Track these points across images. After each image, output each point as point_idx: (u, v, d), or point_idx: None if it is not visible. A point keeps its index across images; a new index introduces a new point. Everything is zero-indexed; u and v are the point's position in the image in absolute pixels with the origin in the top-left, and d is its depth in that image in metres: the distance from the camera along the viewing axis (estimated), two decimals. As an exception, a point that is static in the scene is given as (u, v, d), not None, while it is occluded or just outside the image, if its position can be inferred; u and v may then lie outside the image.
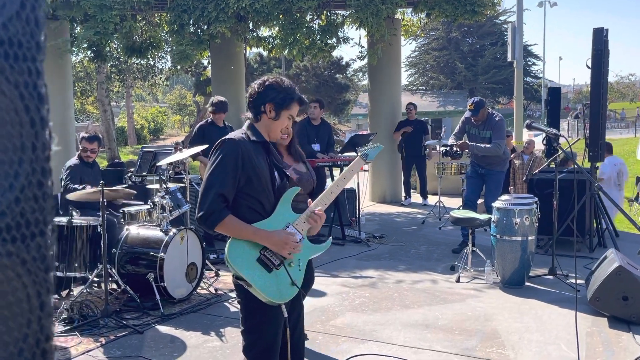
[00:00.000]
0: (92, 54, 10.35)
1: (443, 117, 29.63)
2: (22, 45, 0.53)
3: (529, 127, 4.85)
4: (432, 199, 10.03)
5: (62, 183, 5.36)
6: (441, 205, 8.83)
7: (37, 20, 0.54)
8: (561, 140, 5.11)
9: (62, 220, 4.77)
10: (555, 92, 8.72)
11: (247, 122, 2.65)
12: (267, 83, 2.60)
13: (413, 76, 39.92)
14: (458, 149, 6.56)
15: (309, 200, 2.72)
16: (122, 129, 33.63)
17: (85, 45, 9.57)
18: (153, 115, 40.54)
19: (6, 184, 0.51)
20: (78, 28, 9.93)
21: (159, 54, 18.59)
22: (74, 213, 5.08)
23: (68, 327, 4.31)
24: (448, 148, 6.63)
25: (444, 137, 9.72)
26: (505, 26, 34.39)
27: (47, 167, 0.55)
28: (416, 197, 10.90)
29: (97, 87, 23.50)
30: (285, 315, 2.49)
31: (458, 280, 5.55)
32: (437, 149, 9.31)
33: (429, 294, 5.22)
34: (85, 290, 4.75)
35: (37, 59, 0.54)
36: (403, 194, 10.76)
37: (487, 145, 6.37)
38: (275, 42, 10.36)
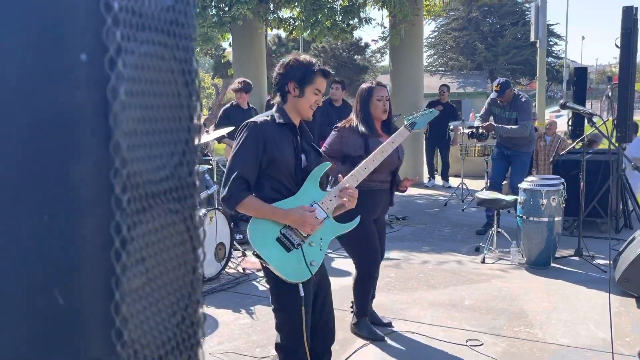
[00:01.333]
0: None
1: (462, 99, 29.36)
2: (184, 25, 0.56)
3: (564, 106, 4.81)
4: (454, 181, 10.01)
5: None
6: (464, 187, 8.81)
7: (193, 3, 0.58)
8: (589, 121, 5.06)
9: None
10: (581, 73, 8.58)
11: (276, 105, 2.67)
12: (285, 63, 2.62)
13: (432, 57, 39.51)
14: (484, 131, 6.54)
15: (339, 175, 2.73)
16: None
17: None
18: (172, 97, 40.64)
19: (169, 151, 0.55)
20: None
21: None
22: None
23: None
24: (474, 130, 6.61)
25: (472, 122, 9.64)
26: (527, 5, 33.81)
27: (199, 136, 0.59)
28: (438, 179, 10.88)
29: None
30: (302, 294, 2.51)
31: (483, 261, 5.57)
32: (461, 130, 9.27)
33: (454, 274, 5.25)
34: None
35: (193, 37, 0.58)
36: (427, 176, 10.74)
37: (514, 127, 6.33)
38: (297, 23, 10.34)
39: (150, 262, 0.53)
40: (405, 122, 2.75)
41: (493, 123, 6.51)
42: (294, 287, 2.51)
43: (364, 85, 3.85)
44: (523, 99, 6.42)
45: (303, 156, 2.64)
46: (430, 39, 38.90)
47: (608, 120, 4.18)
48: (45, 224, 0.48)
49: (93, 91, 0.45)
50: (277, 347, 2.67)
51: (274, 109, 2.66)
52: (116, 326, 0.49)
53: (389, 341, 3.82)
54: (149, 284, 0.53)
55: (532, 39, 15.15)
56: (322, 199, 2.58)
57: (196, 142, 0.60)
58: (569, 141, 8.29)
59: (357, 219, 2.75)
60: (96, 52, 0.45)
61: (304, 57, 2.65)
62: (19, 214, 0.49)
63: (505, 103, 6.44)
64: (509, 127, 6.36)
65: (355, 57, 29.38)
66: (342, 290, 4.76)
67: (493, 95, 6.56)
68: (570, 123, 7.96)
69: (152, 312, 0.54)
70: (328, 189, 2.69)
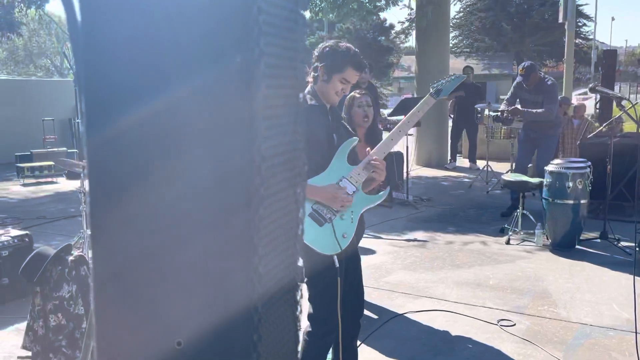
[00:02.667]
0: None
1: (488, 81, 29.03)
2: (296, 31, 0.68)
3: (593, 90, 4.83)
4: (480, 164, 10.04)
5: None
6: (489, 169, 8.84)
7: (303, 21, 0.70)
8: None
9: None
10: (610, 55, 8.51)
11: (309, 86, 2.75)
12: (323, 46, 2.69)
13: (457, 38, 38.97)
14: (509, 115, 6.57)
15: (367, 149, 2.78)
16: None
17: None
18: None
19: (286, 130, 0.67)
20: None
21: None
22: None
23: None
24: (499, 114, 6.64)
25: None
26: (556, -15, 33.08)
27: (302, 119, 0.72)
28: (462, 162, 10.90)
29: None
30: (337, 265, 2.62)
31: (508, 242, 5.65)
32: (486, 112, 9.27)
33: (479, 254, 5.34)
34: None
35: (303, 40, 0.70)
36: (449, 158, 10.78)
37: (539, 110, 6.34)
38: (322, 4, 10.36)
39: (274, 216, 0.66)
40: (431, 90, 2.73)
41: (519, 107, 6.52)
42: (329, 259, 2.63)
43: (349, 94, 3.88)
44: (549, 82, 6.41)
45: (334, 135, 2.74)
46: (455, 20, 38.30)
47: (637, 103, 4.19)
48: (222, 179, 0.62)
49: (244, 90, 0.57)
50: (310, 317, 2.80)
51: (307, 89, 2.73)
52: (255, 263, 0.62)
53: (416, 316, 3.95)
54: (273, 232, 0.66)
55: (560, 20, 14.90)
56: (350, 172, 2.65)
57: (301, 124, 0.72)
58: (596, 124, 8.26)
59: (387, 190, 2.83)
60: (245, 54, 0.57)
61: (344, 44, 2.68)
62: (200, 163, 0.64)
63: (531, 86, 6.44)
64: (534, 111, 6.37)
65: (380, 38, 29.20)
66: (368, 268, 4.89)
67: (519, 79, 6.56)
68: (598, 106, 7.92)
69: (275, 253, 0.67)
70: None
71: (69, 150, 11.63)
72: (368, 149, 2.72)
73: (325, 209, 2.60)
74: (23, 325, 3.74)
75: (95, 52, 0.65)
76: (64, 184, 10.03)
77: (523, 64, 6.57)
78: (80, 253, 3.24)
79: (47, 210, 7.75)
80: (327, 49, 2.67)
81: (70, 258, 3.04)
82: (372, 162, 2.65)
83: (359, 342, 3.13)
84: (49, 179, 10.33)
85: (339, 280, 2.65)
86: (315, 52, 2.69)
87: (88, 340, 1.71)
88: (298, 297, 0.77)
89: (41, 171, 10.24)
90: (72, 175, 10.13)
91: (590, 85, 4.84)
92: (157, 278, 0.67)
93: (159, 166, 0.65)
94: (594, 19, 38.34)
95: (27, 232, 4.65)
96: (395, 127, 2.73)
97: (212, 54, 0.57)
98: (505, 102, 6.81)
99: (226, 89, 0.58)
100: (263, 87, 0.57)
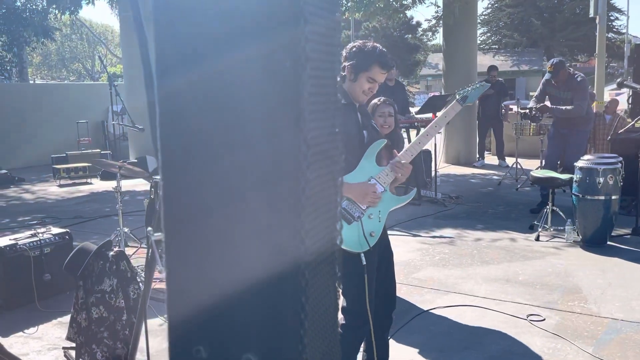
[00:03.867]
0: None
1: (517, 77, 28.69)
2: (332, 37, 0.78)
3: (621, 85, 4.80)
4: (509, 161, 9.98)
5: None
6: (518, 166, 8.79)
7: (338, 41, 0.80)
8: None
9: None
10: (642, 49, 8.37)
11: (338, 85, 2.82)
12: (351, 46, 2.75)
13: (485, 35, 38.56)
14: (537, 113, 6.54)
15: (395, 150, 2.86)
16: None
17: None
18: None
19: (328, 124, 0.76)
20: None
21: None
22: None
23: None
24: (528, 111, 6.63)
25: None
26: (587, -21, 32.47)
27: (340, 113, 0.81)
28: (490, 159, 10.85)
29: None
30: (364, 262, 2.70)
31: (537, 239, 5.64)
32: (515, 109, 9.22)
33: (508, 251, 5.35)
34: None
35: (338, 44, 0.80)
36: (477, 156, 10.75)
37: (568, 107, 6.30)
38: (349, 4, 10.43)
39: (316, 197, 0.75)
40: (457, 97, 2.81)
41: (548, 104, 6.49)
42: (357, 256, 2.71)
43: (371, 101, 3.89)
44: (579, 79, 6.37)
45: (365, 132, 2.81)
46: (483, 16, 37.90)
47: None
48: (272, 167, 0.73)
49: (292, 86, 0.67)
50: (343, 310, 2.89)
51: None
52: (300, 232, 0.71)
53: (445, 311, 4.00)
54: (316, 210, 0.76)
55: (592, 14, 14.66)
56: (379, 173, 2.74)
57: (338, 118, 0.81)
58: (629, 119, 8.14)
59: (413, 192, 2.92)
60: (294, 58, 0.67)
61: (370, 44, 2.74)
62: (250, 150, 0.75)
63: (560, 83, 6.41)
64: (563, 108, 6.34)
65: (407, 36, 29.10)
66: (397, 265, 4.94)
67: (547, 76, 6.53)
68: (630, 101, 7.81)
69: (318, 222, 0.78)
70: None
71: (102, 152, 11.94)
72: (395, 150, 2.80)
73: (354, 207, 2.68)
74: (65, 319, 3.92)
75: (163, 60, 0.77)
76: (98, 185, 10.32)
77: (552, 60, 6.54)
78: (120, 249, 3.38)
79: (83, 209, 8.01)
80: (354, 48, 2.74)
81: (111, 253, 3.18)
82: (400, 164, 2.73)
83: (389, 336, 3.19)
84: (84, 180, 10.63)
85: (366, 277, 2.74)
86: (343, 52, 2.76)
87: (139, 326, 1.82)
88: (337, 269, 0.86)
89: (76, 172, 10.55)
90: (106, 176, 10.42)
91: (618, 80, 4.83)
92: (221, 227, 0.79)
93: (222, 142, 0.77)
94: (626, 12, 37.59)
95: (67, 230, 4.83)
96: (423, 130, 2.82)
97: (264, 60, 0.67)
98: (534, 99, 6.79)
99: (278, 89, 0.68)
100: (308, 86, 0.66)
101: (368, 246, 2.72)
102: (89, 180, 10.64)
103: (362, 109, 2.86)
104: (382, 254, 2.91)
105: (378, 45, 2.78)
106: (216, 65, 0.73)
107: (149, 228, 1.32)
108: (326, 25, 0.74)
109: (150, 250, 1.28)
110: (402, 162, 2.75)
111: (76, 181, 10.57)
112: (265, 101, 0.69)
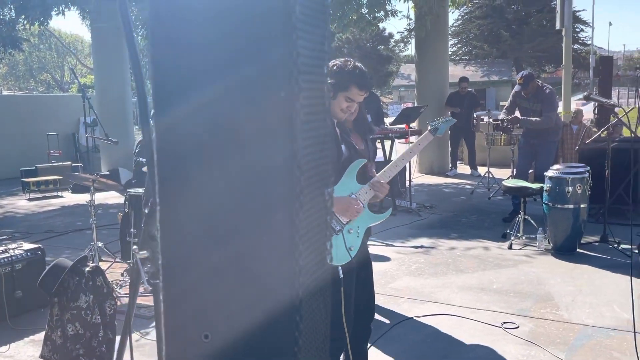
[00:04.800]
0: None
1: (487, 87, 29.17)
2: (323, 59, 0.80)
3: (588, 98, 4.95)
4: (481, 170, 10.15)
5: (133, 158, 5.75)
6: (490, 175, 8.95)
7: (329, 55, 0.83)
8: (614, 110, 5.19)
9: (139, 190, 5.16)
10: (606, 61, 8.64)
11: None
12: (333, 63, 2.80)
13: (456, 46, 39.20)
14: (508, 124, 6.70)
15: (373, 171, 2.96)
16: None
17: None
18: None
19: (317, 148, 0.79)
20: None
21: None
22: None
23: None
24: (499, 122, 6.77)
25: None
26: (553, -8, 33.29)
27: (333, 135, 0.84)
28: (462, 169, 11.02)
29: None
30: (341, 276, 2.74)
31: (510, 247, 5.75)
32: (486, 120, 9.39)
33: (482, 260, 5.44)
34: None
35: (326, 66, 0.82)
36: (449, 165, 10.90)
37: (538, 119, 6.47)
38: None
39: (309, 212, 0.78)
40: (429, 127, 3.02)
41: (518, 116, 6.65)
42: (335, 269, 2.74)
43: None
44: (547, 91, 6.54)
45: (343, 146, 2.86)
46: (453, 28, 38.54)
47: (633, 108, 4.30)
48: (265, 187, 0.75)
49: (285, 108, 0.70)
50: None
51: None
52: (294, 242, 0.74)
53: (422, 320, 4.04)
54: (309, 224, 0.79)
55: (558, 26, 15.03)
56: (359, 190, 2.82)
57: (330, 141, 0.84)
58: (595, 129, 8.36)
59: (389, 211, 3.00)
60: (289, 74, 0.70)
61: (352, 63, 2.78)
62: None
63: (530, 95, 6.57)
64: (533, 119, 6.50)
65: (379, 47, 29.43)
66: (374, 275, 4.98)
67: (517, 87, 6.70)
68: (595, 112, 8.03)
69: (309, 236, 0.80)
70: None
71: (73, 164, 11.75)
72: (374, 170, 2.89)
73: (335, 221, 2.72)
74: (38, 337, 3.85)
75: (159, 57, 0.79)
76: (70, 198, 10.15)
77: (521, 73, 6.71)
78: (95, 264, 3.35)
79: (54, 223, 7.86)
80: (335, 67, 2.78)
81: (87, 269, 3.14)
82: (379, 184, 2.80)
83: (368, 346, 3.22)
84: (55, 193, 10.44)
85: (342, 290, 2.78)
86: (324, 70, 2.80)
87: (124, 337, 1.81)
88: (328, 294, 0.88)
89: (47, 185, 10.36)
90: (77, 189, 10.25)
91: (585, 94, 4.98)
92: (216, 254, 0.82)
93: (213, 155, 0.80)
94: (591, 24, 38.60)
95: (40, 245, 4.75)
96: (399, 155, 2.99)
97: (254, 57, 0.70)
98: (504, 110, 6.94)
99: (270, 90, 0.71)
100: (300, 114, 0.70)
101: (350, 257, 2.76)
102: (59, 194, 10.45)
103: (341, 125, 2.91)
104: (361, 266, 2.95)
105: (359, 65, 2.81)
106: (213, 92, 0.75)
107: (135, 247, 1.33)
108: (317, 56, 0.77)
109: (136, 267, 1.29)
110: (382, 182, 2.83)
111: (46, 194, 10.37)
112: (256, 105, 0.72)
